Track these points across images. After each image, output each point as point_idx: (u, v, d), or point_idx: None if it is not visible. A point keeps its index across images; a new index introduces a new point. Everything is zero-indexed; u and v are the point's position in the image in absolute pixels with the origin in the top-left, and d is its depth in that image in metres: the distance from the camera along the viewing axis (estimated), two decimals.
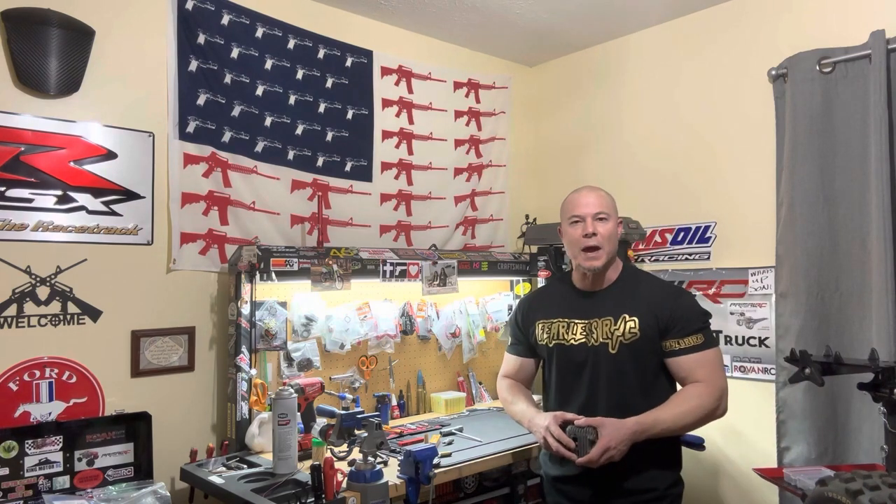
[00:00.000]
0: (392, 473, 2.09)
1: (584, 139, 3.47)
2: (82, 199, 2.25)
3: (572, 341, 1.98)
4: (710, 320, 1.95)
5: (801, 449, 2.51)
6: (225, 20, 2.61)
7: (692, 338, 1.88)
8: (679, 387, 1.96)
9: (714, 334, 1.98)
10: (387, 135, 3.14)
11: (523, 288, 3.42)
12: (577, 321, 1.99)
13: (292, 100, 2.81)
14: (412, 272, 2.84)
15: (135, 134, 2.38)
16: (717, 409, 1.84)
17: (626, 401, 1.88)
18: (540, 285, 3.31)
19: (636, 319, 1.90)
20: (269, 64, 2.74)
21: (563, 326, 2.01)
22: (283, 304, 2.58)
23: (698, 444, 2.26)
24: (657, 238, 3.09)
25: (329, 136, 2.93)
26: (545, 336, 2.04)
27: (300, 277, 2.51)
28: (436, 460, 2.13)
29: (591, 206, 1.94)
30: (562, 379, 2.01)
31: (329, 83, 2.94)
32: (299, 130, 2.84)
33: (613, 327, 1.92)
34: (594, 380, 1.93)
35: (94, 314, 2.29)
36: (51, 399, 2.17)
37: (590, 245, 1.91)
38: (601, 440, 1.75)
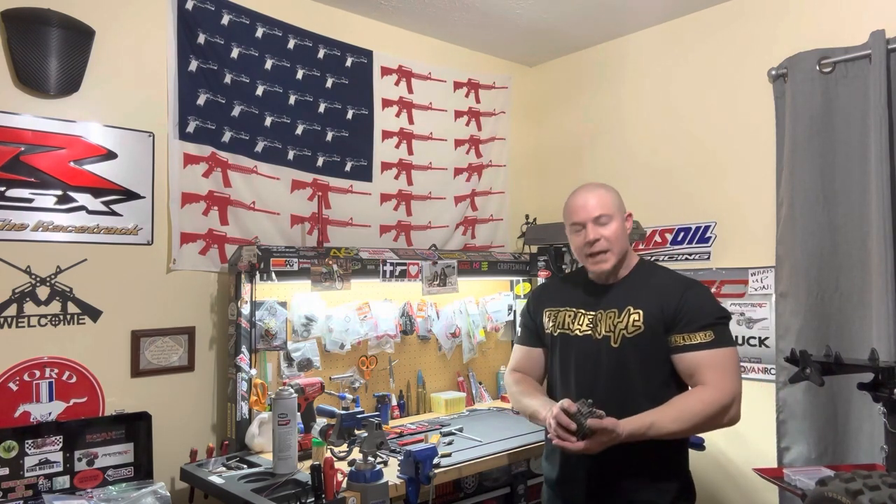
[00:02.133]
0: (392, 473, 2.09)
1: (584, 139, 3.47)
2: (82, 199, 2.25)
3: (577, 332, 1.88)
4: (727, 318, 1.79)
5: (801, 449, 2.51)
6: (225, 20, 2.61)
7: (701, 334, 1.73)
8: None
9: (731, 334, 1.80)
10: (387, 135, 3.14)
11: (523, 288, 3.42)
12: (584, 312, 1.89)
13: (292, 100, 2.81)
14: (412, 272, 2.84)
15: (135, 134, 2.38)
16: (722, 417, 1.69)
17: (628, 399, 1.76)
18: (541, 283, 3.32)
19: (640, 312, 1.79)
20: (269, 64, 2.74)
21: (570, 316, 1.91)
22: (283, 304, 2.58)
23: (698, 445, 2.25)
24: (657, 238, 3.09)
25: (329, 136, 2.93)
26: (551, 324, 1.95)
27: (300, 277, 2.51)
28: (436, 460, 2.13)
29: (589, 210, 1.82)
30: (563, 371, 1.91)
31: (329, 83, 2.94)
32: (299, 130, 2.84)
33: (617, 320, 1.82)
34: (595, 374, 1.82)
35: (94, 314, 2.29)
36: (51, 399, 2.17)
37: (594, 251, 1.82)
38: (589, 442, 1.61)
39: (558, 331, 1.93)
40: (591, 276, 1.95)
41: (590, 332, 1.86)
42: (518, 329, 3.34)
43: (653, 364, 1.79)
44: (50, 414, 2.17)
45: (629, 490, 1.78)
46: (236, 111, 2.64)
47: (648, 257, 3.10)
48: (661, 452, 1.77)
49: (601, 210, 1.82)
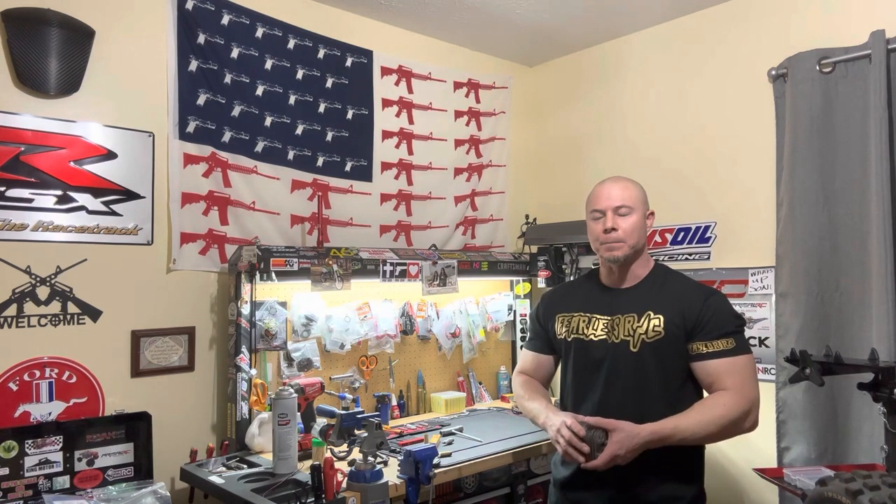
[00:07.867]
0: (392, 473, 2.09)
1: (584, 139, 3.47)
2: (82, 199, 2.25)
3: (592, 337, 1.86)
4: (744, 325, 1.83)
5: (801, 449, 2.51)
6: (225, 20, 2.61)
7: (722, 341, 1.74)
8: (706, 395, 1.81)
9: (748, 341, 1.83)
10: (387, 135, 3.14)
11: (523, 288, 3.42)
12: (599, 317, 1.88)
13: (292, 100, 2.81)
14: (412, 272, 2.84)
15: (135, 134, 2.38)
16: (744, 421, 1.71)
17: (646, 405, 1.76)
18: (540, 285, 3.32)
19: (661, 317, 1.79)
20: (269, 64, 2.74)
21: (584, 321, 1.90)
22: (283, 304, 2.58)
23: None
24: (657, 238, 3.09)
25: (329, 136, 2.93)
26: (563, 330, 1.94)
27: (300, 277, 2.51)
28: (436, 460, 2.13)
29: (612, 200, 1.84)
30: (578, 376, 1.89)
31: (329, 83, 2.94)
32: (299, 130, 2.84)
33: (636, 324, 1.80)
34: (612, 379, 1.81)
35: (94, 314, 2.29)
36: (51, 399, 2.17)
37: (608, 240, 1.83)
38: (609, 446, 1.64)
39: (572, 336, 1.92)
40: (603, 280, 1.96)
41: (605, 337, 1.85)
42: (520, 329, 3.37)
43: (671, 369, 1.79)
44: (50, 414, 2.16)
45: (642, 495, 1.77)
46: (236, 111, 2.64)
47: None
48: (679, 459, 1.77)
49: (623, 201, 1.84)
